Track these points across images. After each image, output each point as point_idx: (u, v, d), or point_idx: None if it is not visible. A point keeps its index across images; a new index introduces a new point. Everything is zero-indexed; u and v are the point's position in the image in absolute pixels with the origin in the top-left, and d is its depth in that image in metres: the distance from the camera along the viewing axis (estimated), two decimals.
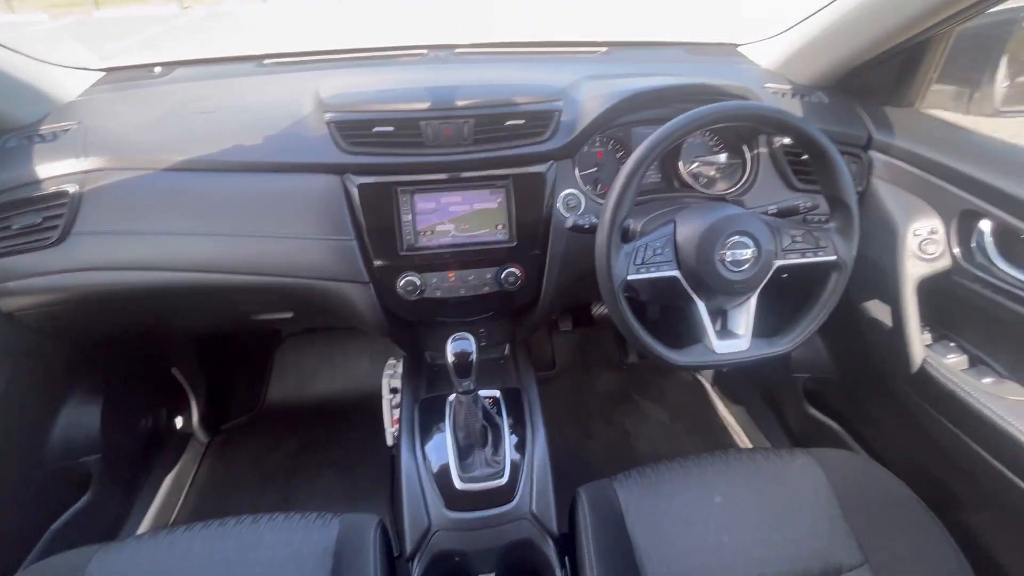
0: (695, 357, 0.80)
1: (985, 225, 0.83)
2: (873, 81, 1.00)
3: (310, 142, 0.88)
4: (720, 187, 1.03)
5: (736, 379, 1.62)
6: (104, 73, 1.09)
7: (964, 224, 0.86)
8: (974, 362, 0.89)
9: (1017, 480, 0.77)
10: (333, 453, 1.52)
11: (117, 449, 1.18)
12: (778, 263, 0.78)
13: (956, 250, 0.87)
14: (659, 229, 0.79)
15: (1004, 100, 0.93)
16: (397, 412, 1.18)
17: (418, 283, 0.93)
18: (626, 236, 0.85)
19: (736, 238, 0.75)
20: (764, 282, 0.78)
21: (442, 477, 0.89)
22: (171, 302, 1.02)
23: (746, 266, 0.76)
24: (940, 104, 0.97)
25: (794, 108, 1.01)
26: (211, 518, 0.79)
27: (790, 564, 0.74)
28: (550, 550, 0.85)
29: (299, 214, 0.89)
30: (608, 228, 0.74)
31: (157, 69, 1.10)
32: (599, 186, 1.02)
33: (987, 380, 0.84)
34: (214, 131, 0.90)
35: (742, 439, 1.55)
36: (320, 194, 0.88)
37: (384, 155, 0.87)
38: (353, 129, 0.86)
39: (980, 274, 0.83)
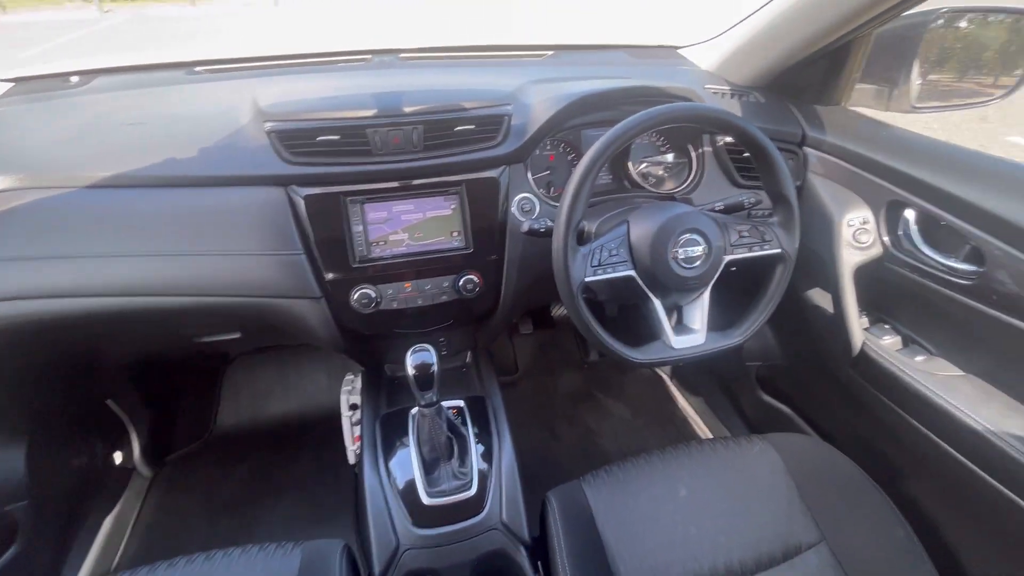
0: (655, 354, 0.81)
1: (909, 214, 0.89)
2: (803, 81, 1.05)
3: (250, 153, 0.83)
4: (669, 186, 1.06)
5: (693, 371, 1.67)
6: (12, 83, 0.99)
7: (891, 214, 0.92)
8: (907, 342, 0.95)
9: (950, 449, 0.82)
10: (292, 477, 1.45)
11: (47, 493, 1.08)
12: (727, 258, 0.80)
13: (886, 238, 0.93)
14: (613, 230, 0.80)
15: (918, 97, 1.00)
16: (358, 429, 1.14)
17: (373, 295, 0.90)
18: (581, 238, 0.86)
19: (687, 236, 0.77)
20: (716, 277, 0.81)
21: (408, 493, 0.86)
22: (101, 330, 0.94)
23: (698, 262, 0.78)
24: (863, 102, 1.04)
25: (733, 108, 1.05)
26: (159, 560, 0.74)
27: (754, 549, 0.77)
28: (522, 558, 0.84)
29: (241, 229, 0.84)
30: (564, 231, 0.74)
31: (74, 78, 1.01)
32: (552, 189, 1.02)
33: (919, 358, 0.90)
34: (143, 144, 0.84)
35: (702, 429, 1.59)
36: (263, 207, 0.84)
37: (330, 165, 0.84)
38: (296, 139, 0.82)
39: (908, 259, 0.89)
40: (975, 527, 0.87)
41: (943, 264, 0.84)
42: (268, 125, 0.82)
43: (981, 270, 0.77)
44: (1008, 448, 0.73)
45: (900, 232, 0.91)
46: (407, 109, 0.85)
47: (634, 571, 0.75)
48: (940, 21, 0.94)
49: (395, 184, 0.87)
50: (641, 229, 0.78)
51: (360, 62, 1.11)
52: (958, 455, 0.81)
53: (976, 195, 0.76)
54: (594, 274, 0.76)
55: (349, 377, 1.25)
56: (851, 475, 0.86)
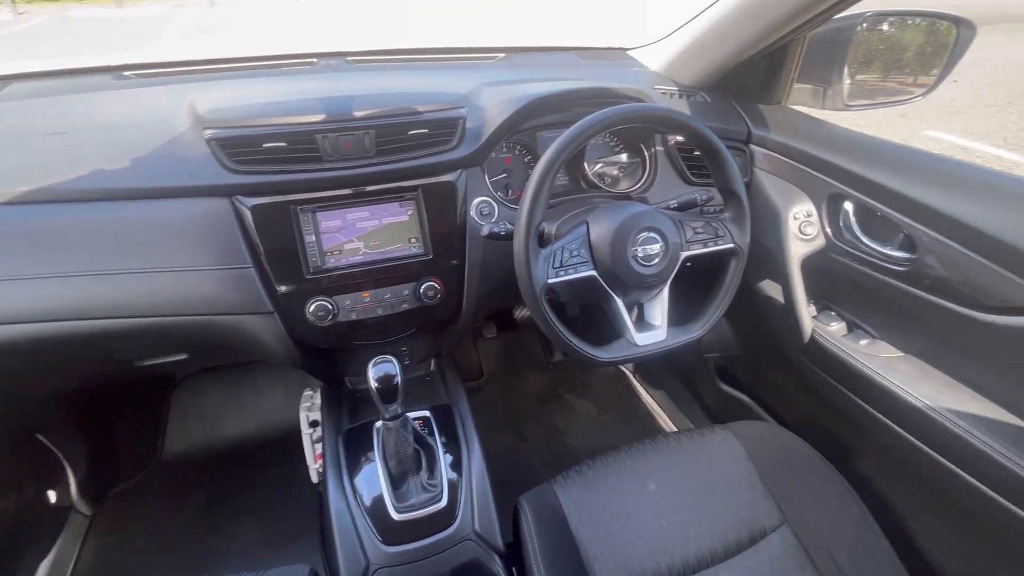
0: (619, 352, 0.82)
1: (848, 206, 0.94)
2: (746, 81, 1.10)
3: (188, 163, 0.78)
4: (624, 185, 1.08)
5: (654, 365, 1.70)
6: None
7: (832, 206, 0.97)
8: (851, 327, 1.00)
9: (894, 425, 0.87)
10: (251, 501, 1.38)
11: None
12: (684, 254, 0.82)
13: (828, 229, 0.98)
14: (573, 231, 0.80)
15: (849, 95, 1.06)
16: (319, 446, 1.10)
17: (330, 307, 0.86)
18: (542, 240, 0.86)
19: (645, 234, 0.78)
20: (674, 273, 0.82)
21: (376, 510, 0.84)
22: (23, 360, 0.86)
23: (656, 260, 0.79)
24: (802, 100, 1.09)
25: (682, 108, 1.08)
26: None
27: (722, 536, 0.79)
28: (497, 567, 0.83)
29: (182, 243, 0.79)
30: (524, 234, 0.73)
31: None
32: (510, 192, 1.02)
33: (863, 342, 0.95)
34: (67, 155, 0.77)
35: (666, 422, 1.63)
36: (206, 220, 0.79)
37: (278, 173, 0.80)
38: (239, 146, 0.78)
39: (849, 249, 0.94)
40: (920, 498, 0.93)
41: (880, 252, 0.89)
42: (208, 132, 0.78)
43: (914, 257, 0.82)
44: (945, 422, 0.78)
45: (841, 223, 0.96)
46: (358, 113, 0.82)
47: (609, 569, 0.76)
48: (864, 25, 1.00)
49: (348, 191, 0.84)
50: (600, 229, 0.79)
51: (305, 65, 1.07)
52: (901, 431, 0.86)
53: (906, 187, 0.82)
54: (556, 275, 0.76)
55: (308, 393, 1.20)
56: (807, 457, 0.90)
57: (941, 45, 1.02)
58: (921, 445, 0.83)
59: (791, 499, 0.83)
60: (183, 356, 0.99)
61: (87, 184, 0.76)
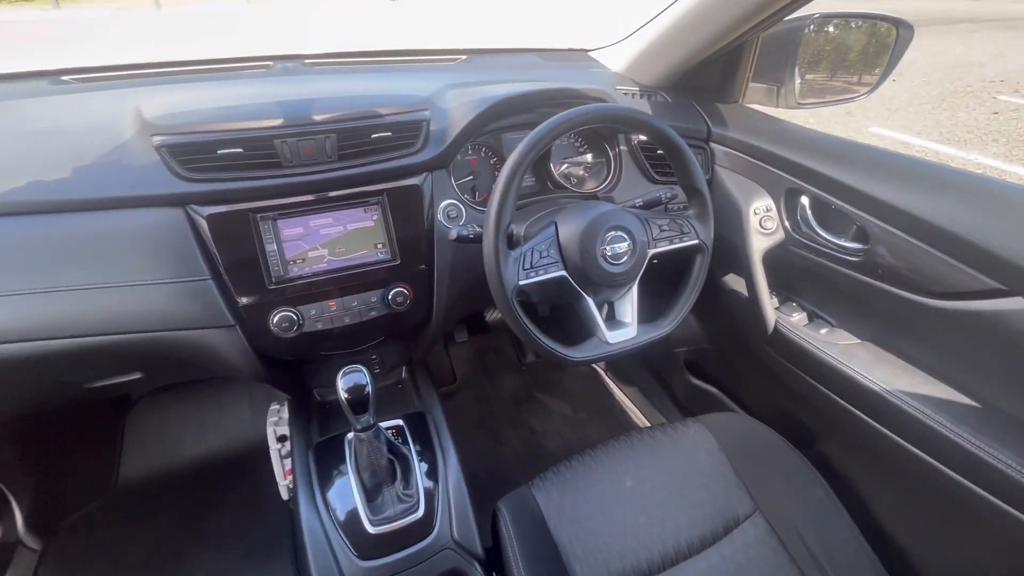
0: (591, 351, 0.82)
1: (805, 200, 0.98)
2: (704, 81, 1.13)
3: (136, 171, 0.74)
4: (590, 185, 1.09)
5: (626, 362, 1.73)
6: None
7: (790, 200, 1.00)
8: (812, 317, 1.04)
9: (854, 409, 0.91)
10: (218, 523, 1.32)
11: None
12: (651, 252, 0.83)
13: (787, 223, 1.01)
14: (542, 232, 0.80)
15: (801, 94, 1.10)
16: (289, 462, 1.06)
17: (295, 317, 0.84)
18: (511, 242, 0.85)
19: (613, 233, 0.79)
20: (642, 271, 0.83)
21: (350, 525, 0.81)
22: None
23: (625, 258, 0.80)
24: (757, 99, 1.13)
25: (644, 107, 1.10)
26: None
27: (698, 528, 0.80)
28: (477, 574, 0.82)
29: (134, 256, 0.75)
30: (493, 236, 0.73)
31: None
32: (477, 194, 1.01)
33: (823, 331, 0.99)
34: (1, 166, 0.72)
35: (639, 417, 1.66)
36: (158, 231, 0.75)
37: (235, 180, 0.77)
38: (192, 153, 0.74)
39: (807, 242, 0.98)
40: (879, 476, 0.97)
41: (836, 244, 0.93)
42: (157, 139, 0.74)
43: (866, 247, 0.86)
44: (900, 404, 0.82)
45: (798, 217, 1.00)
46: (318, 117, 0.80)
47: (590, 568, 0.76)
48: (812, 27, 1.04)
49: (310, 197, 0.82)
50: (569, 229, 0.79)
51: (261, 69, 1.03)
52: (860, 414, 0.90)
53: (856, 180, 0.85)
54: (527, 277, 0.76)
55: (275, 407, 1.16)
56: (775, 444, 0.93)
57: (882, 45, 1.07)
58: (878, 426, 0.87)
59: (761, 486, 0.85)
60: (137, 375, 0.94)
61: (22, 196, 0.71)
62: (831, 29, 1.14)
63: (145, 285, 0.75)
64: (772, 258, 1.03)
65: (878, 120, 4.74)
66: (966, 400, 0.78)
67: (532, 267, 0.77)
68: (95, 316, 0.73)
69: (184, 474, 1.45)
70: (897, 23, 1.02)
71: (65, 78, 0.93)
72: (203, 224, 0.76)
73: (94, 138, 0.76)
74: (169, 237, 0.75)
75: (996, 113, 4.82)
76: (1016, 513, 0.70)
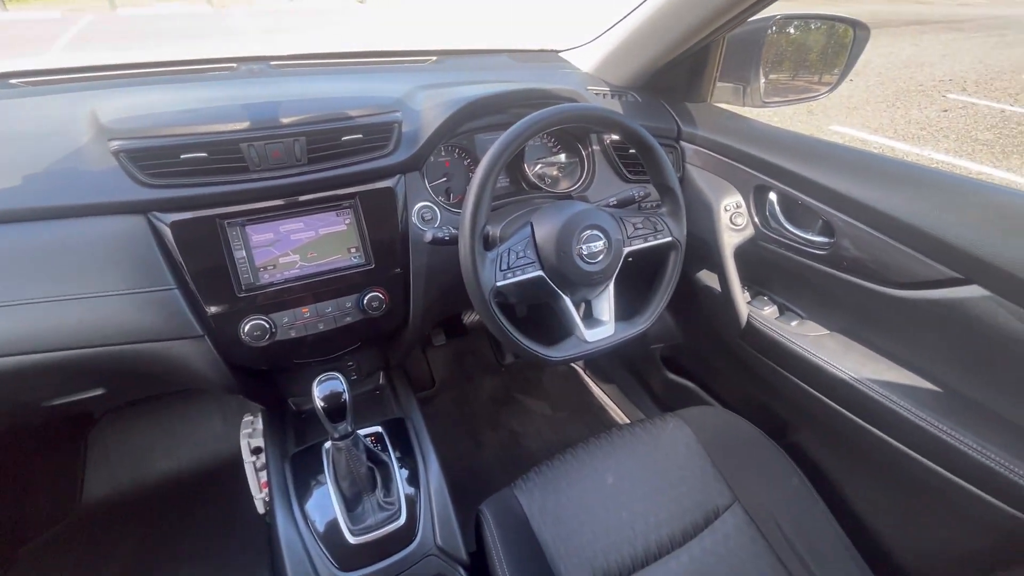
0: (570, 350, 0.83)
1: (773, 196, 1.01)
2: (673, 81, 1.15)
3: (92, 178, 0.71)
4: (564, 185, 1.09)
5: (604, 360, 1.74)
6: None
7: (759, 197, 1.03)
8: (782, 310, 1.07)
9: (824, 398, 0.94)
10: (191, 542, 1.27)
11: None
12: (627, 250, 0.84)
13: (756, 219, 1.04)
14: (518, 232, 0.80)
15: (766, 93, 1.13)
16: (264, 474, 1.03)
17: (267, 325, 0.81)
18: (488, 243, 0.85)
19: (589, 232, 0.79)
20: (618, 269, 0.84)
21: (330, 536, 0.79)
22: None
23: (601, 257, 0.80)
24: (724, 99, 1.15)
25: (615, 107, 1.11)
26: None
27: (679, 521, 0.81)
28: None
29: (94, 266, 0.71)
30: (469, 238, 0.72)
31: None
32: (452, 196, 1.00)
33: (794, 323, 1.02)
34: None
35: (618, 414, 1.67)
36: (118, 239, 0.72)
37: (200, 185, 0.74)
38: (153, 158, 0.72)
39: (775, 236, 1.01)
40: (849, 461, 1.00)
41: (803, 238, 0.95)
42: (114, 144, 0.71)
43: (832, 240, 0.89)
44: (868, 391, 0.85)
45: (767, 213, 1.02)
46: (285, 120, 0.78)
47: (574, 566, 0.76)
48: (774, 28, 1.07)
49: (280, 202, 0.80)
50: (545, 229, 0.79)
51: (225, 71, 1.00)
52: (830, 402, 0.93)
53: (821, 176, 0.88)
54: (504, 278, 0.76)
55: (248, 418, 1.12)
56: (751, 435, 0.95)
57: (841, 46, 1.11)
58: (848, 414, 0.90)
59: (739, 478, 0.87)
60: (99, 391, 0.89)
61: None
62: (792, 30, 1.17)
63: (106, 296, 0.72)
64: (743, 253, 1.05)
65: (838, 118, 4.92)
66: (929, 385, 0.82)
67: (509, 268, 0.77)
68: (53, 330, 0.70)
69: (153, 493, 1.39)
70: (854, 24, 1.05)
71: (13, 81, 0.89)
72: (167, 231, 0.73)
73: (46, 144, 0.72)
74: (131, 246, 0.72)
75: (946, 111, 5.06)
76: (977, 492, 0.73)
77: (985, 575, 0.79)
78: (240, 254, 0.78)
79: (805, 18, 1.14)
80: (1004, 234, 0.67)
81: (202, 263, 0.76)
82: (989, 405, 0.75)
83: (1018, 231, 0.67)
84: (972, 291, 0.70)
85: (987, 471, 0.71)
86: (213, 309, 0.78)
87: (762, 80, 1.11)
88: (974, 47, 7.73)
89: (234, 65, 1.02)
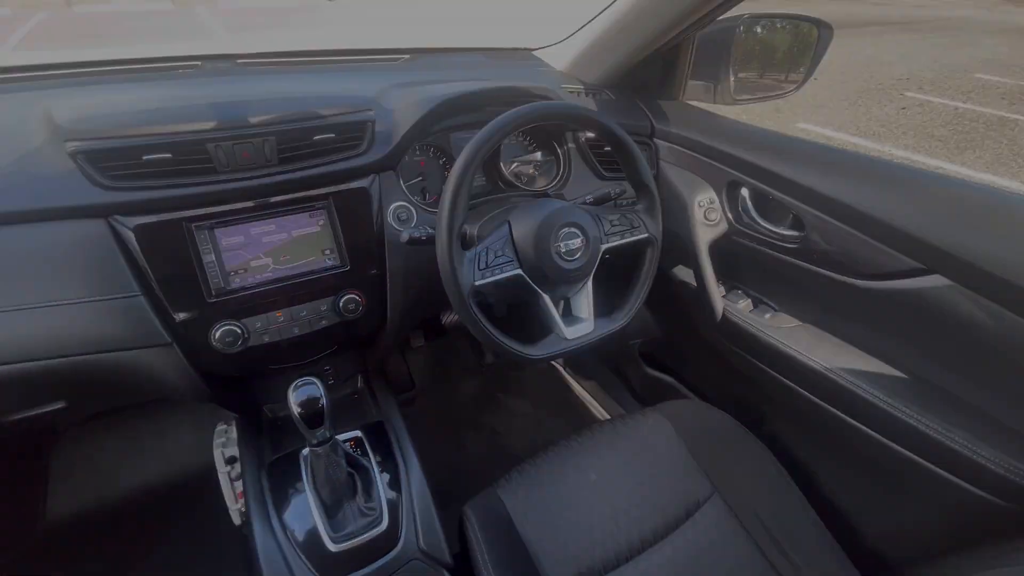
0: (551, 348, 0.83)
1: (745, 192, 1.03)
2: (646, 79, 1.16)
3: (48, 181, 0.68)
4: (540, 183, 1.09)
5: (583, 356, 1.75)
6: None
7: (731, 192, 1.04)
8: (756, 303, 1.09)
9: (798, 388, 0.96)
10: (163, 557, 1.23)
11: None
12: (604, 247, 0.85)
13: (729, 215, 1.06)
14: (496, 231, 0.80)
15: (736, 91, 1.15)
16: (240, 484, 1.00)
17: (239, 331, 0.79)
18: (465, 242, 0.84)
19: (566, 230, 0.79)
20: (596, 266, 0.84)
21: (310, 544, 0.78)
22: None
23: (578, 254, 0.80)
24: (696, 96, 1.17)
25: (589, 105, 1.12)
26: None
27: (661, 515, 0.82)
28: None
29: (50, 274, 0.68)
30: (447, 237, 0.72)
31: None
32: (428, 195, 0.99)
33: (767, 316, 1.04)
34: None
35: (599, 410, 1.68)
36: (79, 244, 0.69)
37: (164, 188, 0.71)
38: (113, 160, 0.69)
39: (748, 231, 1.03)
40: (823, 449, 1.03)
41: (775, 232, 0.98)
42: (71, 145, 0.67)
43: (802, 234, 0.91)
44: (839, 380, 0.87)
45: (740, 208, 1.04)
46: (254, 119, 0.75)
47: (559, 564, 0.76)
48: (742, 27, 1.10)
49: (250, 203, 0.77)
50: (523, 227, 0.79)
51: (189, 69, 0.97)
52: (804, 392, 0.95)
53: (791, 172, 0.90)
54: (483, 277, 0.75)
55: (221, 427, 1.09)
56: (728, 427, 0.97)
57: (806, 45, 1.14)
58: (821, 403, 0.92)
59: (718, 469, 0.89)
60: (60, 404, 0.85)
61: None
62: (759, 29, 1.20)
63: (65, 305, 0.68)
64: (717, 248, 1.07)
65: (804, 116, 5.06)
66: (897, 373, 0.84)
67: (487, 267, 0.76)
68: (7, 342, 0.66)
69: (122, 509, 1.34)
70: (818, 23, 1.08)
71: None
72: (130, 236, 0.70)
73: None
74: (92, 251, 0.69)
75: (904, 108, 5.27)
76: (943, 473, 0.76)
77: (953, 552, 0.83)
78: (209, 258, 0.76)
79: (771, 17, 1.16)
80: (962, 225, 0.70)
81: (168, 268, 0.73)
82: (952, 390, 0.78)
83: (975, 222, 0.70)
84: (935, 280, 0.73)
85: (952, 453, 0.74)
86: (182, 316, 0.75)
87: (732, 78, 1.13)
88: (930, 47, 8.07)
89: (199, 63, 0.99)
